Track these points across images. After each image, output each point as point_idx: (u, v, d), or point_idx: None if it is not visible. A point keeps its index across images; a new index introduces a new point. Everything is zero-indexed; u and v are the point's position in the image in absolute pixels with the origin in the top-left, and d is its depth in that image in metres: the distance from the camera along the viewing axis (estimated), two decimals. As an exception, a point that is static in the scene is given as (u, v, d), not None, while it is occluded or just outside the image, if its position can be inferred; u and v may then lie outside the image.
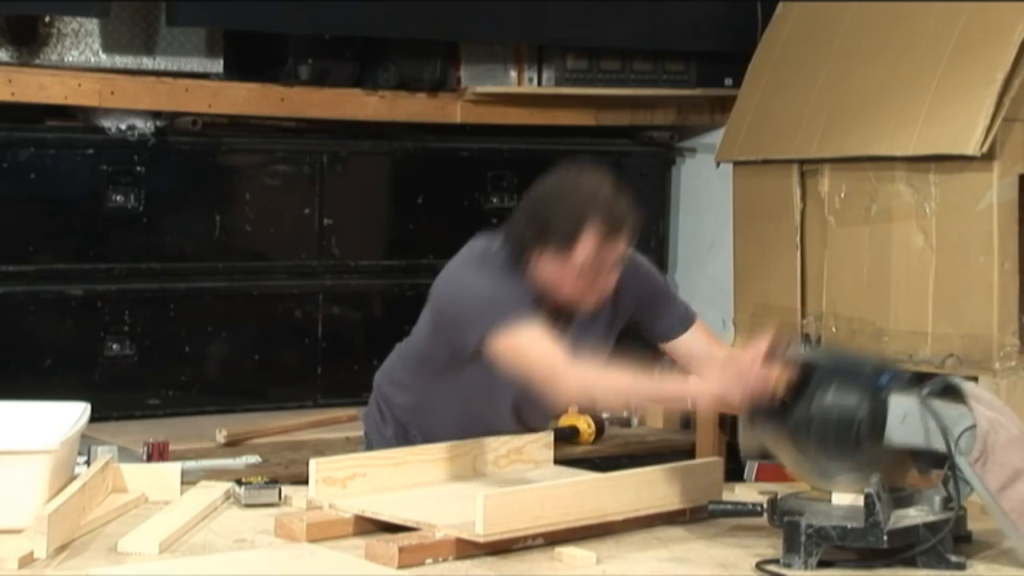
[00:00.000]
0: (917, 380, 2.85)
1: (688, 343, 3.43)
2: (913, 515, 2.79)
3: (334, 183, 5.47)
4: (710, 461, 3.16)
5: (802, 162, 4.87)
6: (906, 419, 2.77)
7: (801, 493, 2.94)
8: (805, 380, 2.80)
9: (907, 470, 2.86)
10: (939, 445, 2.76)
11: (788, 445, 2.85)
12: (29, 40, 4.84)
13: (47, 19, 4.86)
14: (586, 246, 3.16)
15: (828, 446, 2.77)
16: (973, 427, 2.75)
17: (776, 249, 4.92)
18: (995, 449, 2.74)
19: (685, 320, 3.46)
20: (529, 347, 3.09)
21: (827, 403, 2.75)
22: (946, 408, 2.78)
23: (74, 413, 3.13)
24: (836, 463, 2.82)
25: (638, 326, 3.46)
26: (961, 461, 2.74)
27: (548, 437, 3.41)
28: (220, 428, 4.77)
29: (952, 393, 2.83)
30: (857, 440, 2.75)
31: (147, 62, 5.02)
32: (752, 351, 2.87)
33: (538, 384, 3.10)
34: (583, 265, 3.17)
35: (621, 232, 3.20)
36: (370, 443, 3.56)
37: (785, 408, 2.80)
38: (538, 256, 3.21)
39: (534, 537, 2.79)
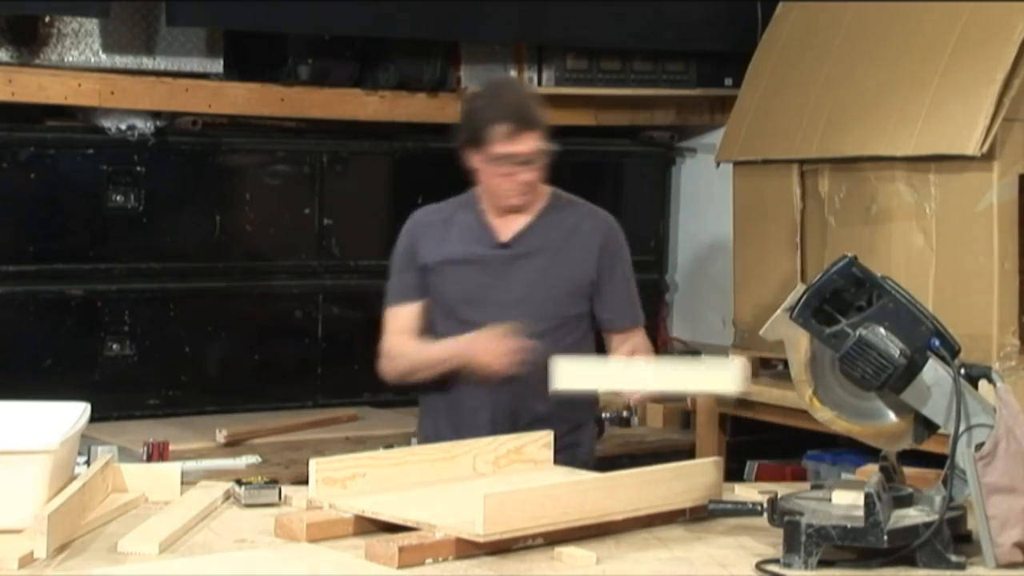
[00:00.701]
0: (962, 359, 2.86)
1: (621, 342, 3.73)
2: (913, 515, 2.79)
3: (334, 183, 5.47)
4: (710, 461, 3.15)
5: (802, 162, 4.87)
6: (933, 387, 2.78)
7: (801, 493, 2.94)
8: (868, 301, 2.81)
9: (904, 431, 2.87)
10: (947, 426, 2.77)
11: (813, 349, 2.85)
12: (29, 40, 4.84)
13: (47, 19, 4.86)
14: (494, 141, 3.58)
15: (851, 374, 2.78)
16: (989, 427, 2.75)
17: (776, 249, 4.93)
18: (1003, 456, 2.74)
19: (630, 319, 3.77)
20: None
21: (872, 339, 2.75)
22: (974, 397, 2.79)
23: (74, 413, 3.13)
24: (846, 390, 2.85)
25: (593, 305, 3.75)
26: (964, 453, 2.74)
27: (548, 437, 3.41)
28: (220, 428, 4.77)
29: (986, 385, 2.84)
30: (881, 384, 2.76)
31: (147, 62, 5.02)
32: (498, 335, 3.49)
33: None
34: (495, 158, 3.59)
35: (524, 130, 3.59)
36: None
37: (832, 317, 2.81)
38: (470, 157, 3.66)
39: (534, 537, 2.79)
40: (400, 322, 3.77)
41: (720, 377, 3.24)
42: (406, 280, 3.79)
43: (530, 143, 3.60)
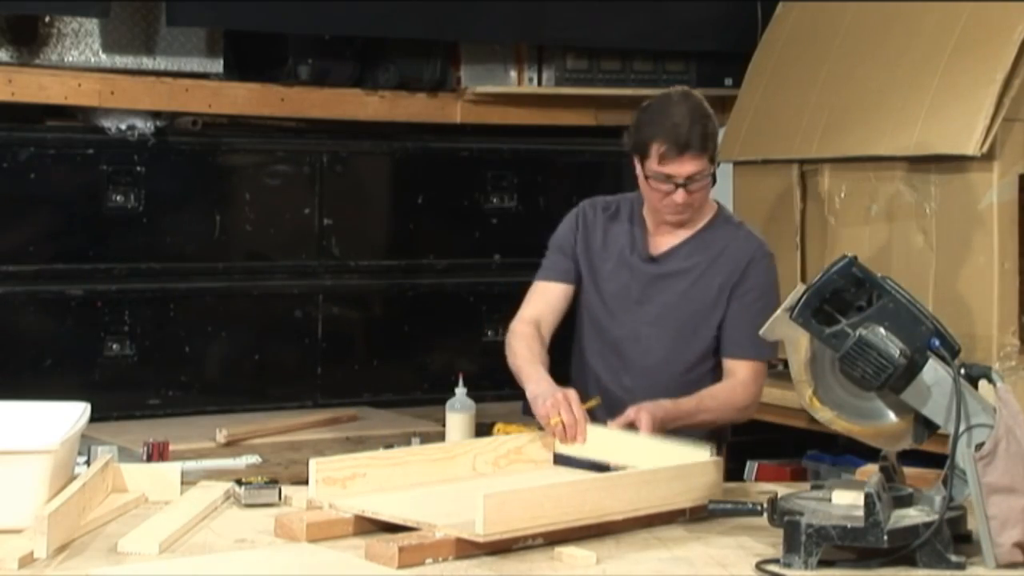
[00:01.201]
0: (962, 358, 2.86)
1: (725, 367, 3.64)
2: (913, 515, 2.79)
3: (334, 183, 5.47)
4: (710, 461, 3.15)
5: (802, 162, 4.87)
6: (933, 387, 2.79)
7: (801, 493, 2.94)
8: (868, 301, 2.81)
9: (904, 431, 2.87)
10: (947, 426, 2.77)
11: (813, 349, 2.85)
12: (29, 40, 4.84)
13: (47, 19, 4.86)
14: (652, 159, 3.54)
15: (852, 374, 2.79)
16: (989, 427, 2.75)
17: (776, 249, 4.91)
18: (1003, 456, 2.74)
19: (740, 350, 3.61)
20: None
21: (872, 339, 2.76)
22: (974, 397, 2.79)
23: (74, 413, 3.13)
24: (847, 390, 2.86)
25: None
26: (964, 453, 2.74)
27: (548, 437, 3.41)
28: (220, 428, 4.77)
29: (986, 385, 2.85)
30: (881, 384, 2.76)
31: (147, 62, 5.02)
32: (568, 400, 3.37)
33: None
34: (653, 175, 3.56)
35: (682, 153, 3.51)
36: None
37: (832, 317, 2.82)
38: (635, 164, 3.62)
39: (534, 537, 2.79)
40: (537, 304, 3.71)
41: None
42: (559, 261, 3.74)
43: (687, 166, 3.52)
